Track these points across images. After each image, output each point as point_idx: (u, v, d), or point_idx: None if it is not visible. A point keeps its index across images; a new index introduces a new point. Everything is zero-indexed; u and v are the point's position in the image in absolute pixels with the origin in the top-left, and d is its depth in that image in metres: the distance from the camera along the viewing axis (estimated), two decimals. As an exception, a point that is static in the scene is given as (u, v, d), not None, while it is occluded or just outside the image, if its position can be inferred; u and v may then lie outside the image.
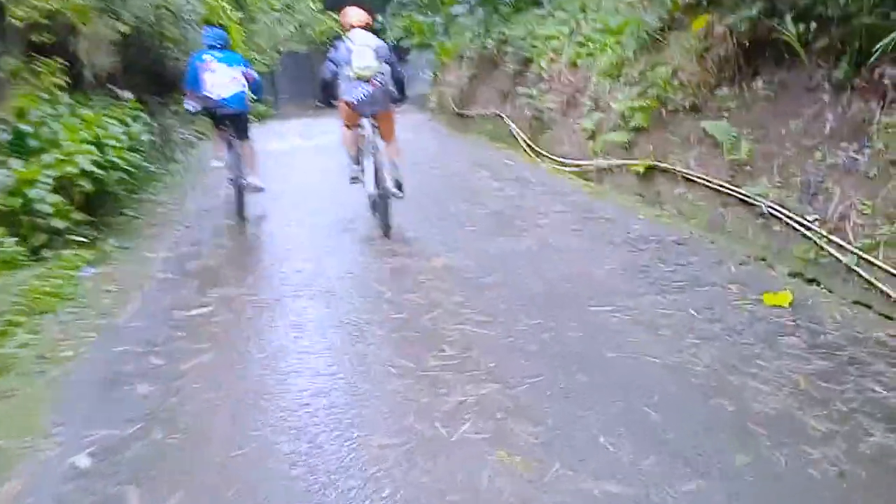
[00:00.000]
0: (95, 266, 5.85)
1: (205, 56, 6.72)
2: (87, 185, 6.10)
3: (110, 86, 8.68)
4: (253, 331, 4.24)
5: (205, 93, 6.60)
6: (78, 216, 6.09)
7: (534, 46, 10.20)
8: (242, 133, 7.03)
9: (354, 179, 6.46)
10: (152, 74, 10.85)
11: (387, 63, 5.90)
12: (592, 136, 8.18)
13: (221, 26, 13.74)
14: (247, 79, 6.83)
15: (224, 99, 6.62)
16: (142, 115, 8.91)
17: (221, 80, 6.60)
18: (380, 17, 25.93)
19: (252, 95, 7.08)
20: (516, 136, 10.24)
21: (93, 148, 6.29)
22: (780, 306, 4.02)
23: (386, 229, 5.99)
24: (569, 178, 8.07)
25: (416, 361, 3.61)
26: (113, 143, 6.83)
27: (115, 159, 6.74)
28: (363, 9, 6.35)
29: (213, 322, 4.44)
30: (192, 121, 12.13)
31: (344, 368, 3.62)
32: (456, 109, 13.82)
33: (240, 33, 19.20)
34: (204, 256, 6.03)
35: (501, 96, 11.47)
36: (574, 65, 9.14)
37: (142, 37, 9.70)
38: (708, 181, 6.07)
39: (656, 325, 3.85)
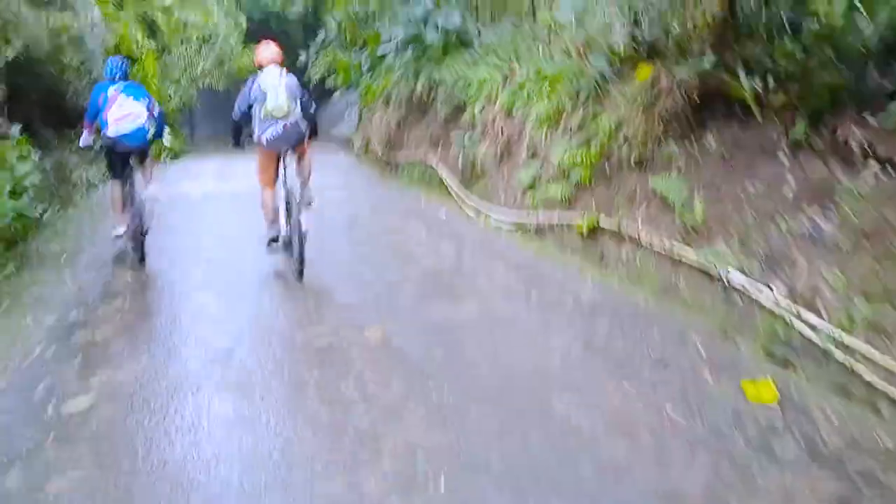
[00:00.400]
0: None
1: (110, 89, 6.28)
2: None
3: (-4, 119, 7.69)
4: (141, 436, 3.42)
5: (107, 132, 6.18)
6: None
7: (466, 92, 9.75)
8: (141, 164, 6.68)
9: (273, 241, 6.20)
10: (48, 106, 9.81)
11: (299, 101, 5.83)
12: (531, 188, 7.71)
13: (129, 57, 12.86)
14: (151, 113, 6.42)
15: (126, 135, 6.19)
16: (30, 153, 7.88)
17: (126, 116, 6.19)
18: (302, 55, 25.37)
19: (153, 130, 6.56)
20: (448, 185, 9.69)
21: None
22: (763, 402, 3.51)
23: (299, 268, 5.74)
24: (506, 233, 7.54)
25: (351, 484, 2.90)
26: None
27: (-11, 207, 5.78)
28: (277, 45, 6.24)
29: (92, 421, 3.60)
30: (94, 159, 11.11)
31: (255, 495, 2.87)
32: (382, 156, 13.22)
33: (153, 65, 18.15)
34: (94, 324, 5.13)
35: (432, 142, 10.96)
36: (509, 112, 8.71)
37: (33, 64, 8.71)
38: (658, 245, 5.63)
39: (633, 429, 3.27)
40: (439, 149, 10.62)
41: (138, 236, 6.46)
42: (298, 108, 5.81)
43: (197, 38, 22.24)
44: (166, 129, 7.34)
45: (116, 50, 14.78)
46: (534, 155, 7.88)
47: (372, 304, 5.32)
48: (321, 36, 24.56)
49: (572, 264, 6.18)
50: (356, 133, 20.09)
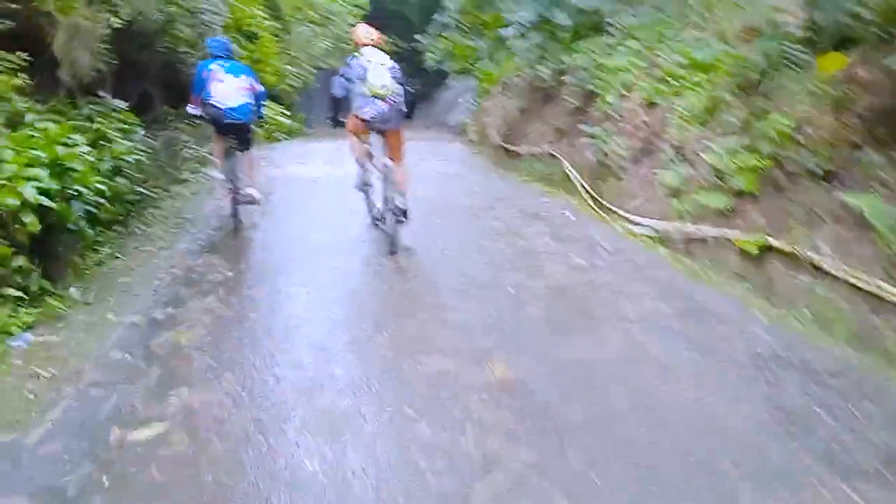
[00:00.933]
0: (36, 332, 4.39)
1: (211, 65, 6.53)
2: (30, 221, 4.60)
3: (101, 92, 7.27)
4: (211, 484, 2.69)
5: (211, 101, 6.41)
6: (20, 261, 4.60)
7: (599, 79, 8.66)
8: (245, 144, 6.91)
9: (364, 186, 6.60)
10: (162, 81, 9.49)
11: (399, 83, 5.85)
12: (676, 194, 6.59)
13: (249, 34, 12.53)
14: (254, 90, 6.69)
15: (231, 109, 6.43)
16: (137, 127, 7.47)
17: (228, 90, 6.44)
18: (420, 39, 24.76)
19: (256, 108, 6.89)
20: (575, 182, 8.66)
21: (42, 172, 4.79)
22: None
23: (393, 248, 5.93)
24: (646, 243, 6.46)
25: None
26: (77, 165, 5.30)
27: (80, 188, 5.26)
28: (374, 27, 6.36)
29: (159, 457, 2.91)
30: (208, 136, 10.80)
31: None
32: (501, 143, 12.28)
33: (272, 44, 17.91)
34: (180, 326, 4.51)
35: (557, 133, 9.93)
36: (651, 104, 7.59)
37: (145, 35, 8.32)
38: (851, 278, 4.45)
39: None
40: (565, 141, 9.59)
41: (237, 210, 6.84)
42: (400, 90, 5.83)
43: (316, 18, 21.95)
44: (263, 109, 7.19)
45: (236, 25, 14.53)
46: (681, 155, 6.75)
47: (492, 327, 4.44)
48: (439, 19, 23.92)
49: (735, 293, 5.06)
50: (472, 121, 19.27)
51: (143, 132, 7.72)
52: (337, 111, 6.21)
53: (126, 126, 6.94)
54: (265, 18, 18.79)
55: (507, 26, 13.20)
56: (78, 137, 5.77)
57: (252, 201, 7.01)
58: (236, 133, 6.71)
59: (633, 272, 5.53)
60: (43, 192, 4.70)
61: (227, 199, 6.84)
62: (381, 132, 5.95)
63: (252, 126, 6.91)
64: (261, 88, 6.82)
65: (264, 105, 7.31)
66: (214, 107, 6.40)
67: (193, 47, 10.01)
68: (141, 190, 7.25)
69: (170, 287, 5.34)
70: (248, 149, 6.97)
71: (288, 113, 17.96)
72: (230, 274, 5.67)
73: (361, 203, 7.05)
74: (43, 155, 4.91)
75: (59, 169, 5.02)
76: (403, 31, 27.37)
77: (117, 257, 6.01)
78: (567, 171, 9.01)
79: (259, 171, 7.28)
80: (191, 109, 6.76)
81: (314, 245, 6.51)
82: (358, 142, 6.39)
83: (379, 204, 6.20)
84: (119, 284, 5.38)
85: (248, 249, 6.50)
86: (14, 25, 5.81)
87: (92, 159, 5.75)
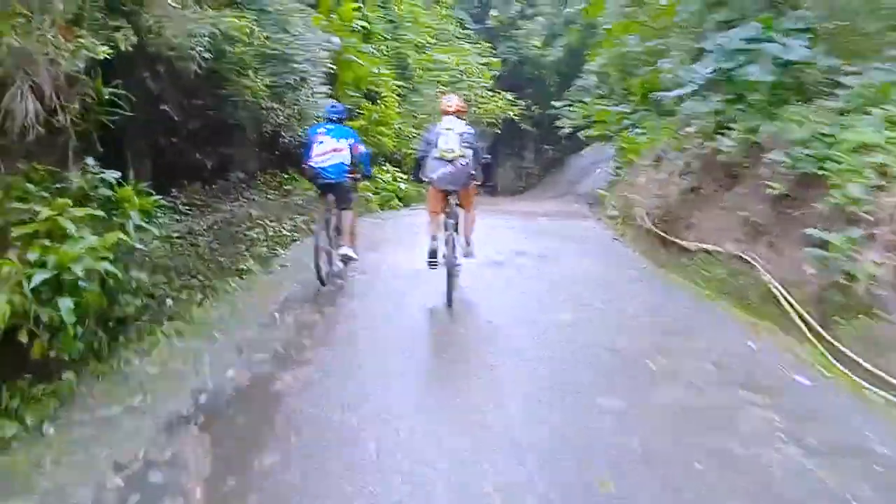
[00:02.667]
0: None
1: (319, 129, 6.88)
2: None
3: (90, 160, 5.10)
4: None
5: (310, 163, 6.69)
6: None
7: (831, 160, 5.77)
8: (342, 201, 6.97)
9: (432, 259, 6.34)
10: (216, 141, 7.52)
11: (471, 148, 6.19)
12: None
13: (368, 93, 11.10)
14: (352, 151, 6.83)
15: (323, 168, 6.64)
16: (146, 208, 5.26)
17: (325, 151, 6.66)
18: (555, 104, 22.44)
19: (360, 168, 7.17)
20: (792, 312, 5.70)
21: None
22: None
23: (449, 299, 6.05)
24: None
25: None
26: None
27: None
28: (458, 98, 6.79)
29: None
30: (296, 207, 8.76)
31: None
32: (656, 230, 9.46)
33: (394, 104, 16.08)
34: None
35: (750, 229, 7.01)
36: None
37: (183, 81, 6.35)
38: None
39: None
40: (764, 241, 6.66)
41: (323, 262, 6.68)
42: (469, 154, 6.15)
43: (445, 80, 20.11)
44: (371, 172, 7.71)
45: (356, 82, 12.73)
46: None
47: None
48: (581, 82, 21.52)
49: None
50: (610, 194, 16.54)
51: (171, 212, 5.66)
52: (417, 170, 6.59)
53: (121, 208, 4.71)
54: (392, 78, 17.08)
55: (663, 90, 10.61)
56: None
57: (347, 260, 6.97)
58: (332, 191, 6.79)
59: None
60: None
61: (321, 258, 6.66)
62: (448, 193, 6.25)
63: (346, 185, 6.93)
64: (363, 150, 7.01)
65: (369, 165, 7.48)
66: (312, 168, 6.68)
67: (282, 102, 8.07)
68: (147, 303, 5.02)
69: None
70: (344, 208, 6.99)
71: (404, 176, 15.97)
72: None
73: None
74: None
75: None
76: (537, 94, 25.17)
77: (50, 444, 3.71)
78: (772, 288, 6.06)
79: (356, 232, 7.07)
80: (306, 173, 7.01)
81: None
82: (432, 217, 6.57)
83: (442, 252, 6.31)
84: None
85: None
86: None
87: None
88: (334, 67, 12.02)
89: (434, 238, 6.41)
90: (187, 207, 6.33)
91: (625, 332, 5.50)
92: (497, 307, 6.15)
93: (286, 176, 10.19)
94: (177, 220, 5.73)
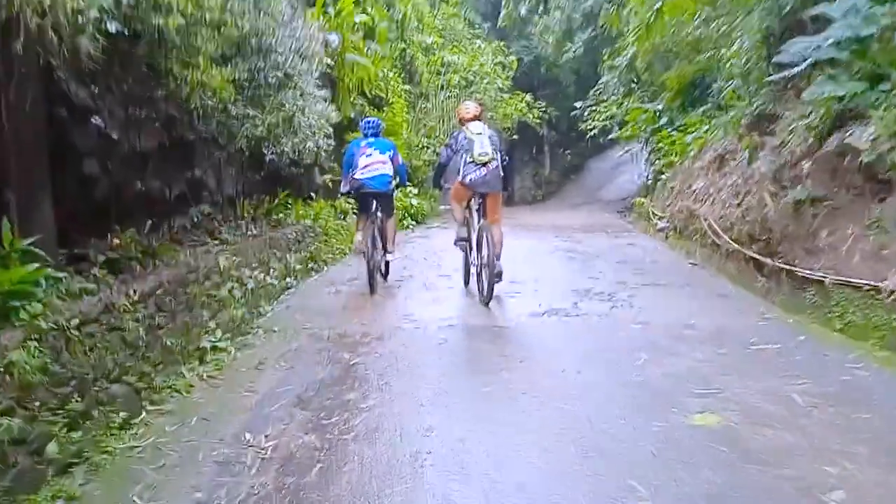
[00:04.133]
0: None
1: (362, 143, 7.03)
2: None
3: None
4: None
5: (355, 175, 6.84)
6: None
7: None
8: (386, 210, 7.10)
9: (462, 241, 6.67)
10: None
11: (497, 150, 6.22)
12: None
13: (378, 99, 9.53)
14: (393, 163, 7.03)
15: (369, 179, 6.80)
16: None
17: (371, 163, 6.83)
18: (576, 105, 20.33)
19: (398, 178, 7.35)
20: None
21: None
22: None
23: (487, 299, 6.05)
24: None
25: None
26: None
27: None
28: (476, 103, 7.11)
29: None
30: (280, 250, 6.65)
31: None
32: (749, 252, 7.26)
33: (402, 111, 13.96)
34: None
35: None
36: None
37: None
38: None
39: None
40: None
41: (372, 272, 6.71)
42: (498, 158, 6.21)
43: (457, 82, 17.97)
44: (407, 182, 8.15)
45: (357, 84, 10.64)
46: None
47: None
48: (604, 79, 19.35)
49: None
50: (651, 202, 14.36)
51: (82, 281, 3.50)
52: (438, 176, 6.98)
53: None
54: (400, 83, 14.98)
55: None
56: None
57: (388, 263, 7.32)
58: (376, 200, 6.91)
59: None
60: None
61: (364, 265, 6.80)
62: (482, 195, 6.29)
63: (390, 194, 7.20)
64: (401, 161, 7.32)
65: (405, 175, 7.71)
66: (358, 179, 6.84)
67: (260, 107, 5.93)
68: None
69: None
70: (388, 215, 7.16)
71: (416, 192, 13.88)
72: None
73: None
74: None
75: None
76: (554, 96, 22.99)
77: None
78: None
79: (395, 236, 7.45)
80: (342, 188, 7.37)
81: None
82: (459, 207, 6.69)
83: (475, 261, 6.41)
84: None
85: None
86: None
87: None
88: (332, 66, 9.92)
89: (462, 224, 6.66)
90: (112, 268, 4.16)
91: (825, 458, 3.20)
92: (596, 415, 3.64)
93: (275, 203, 8.08)
94: (92, 291, 3.57)
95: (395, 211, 7.53)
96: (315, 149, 7.84)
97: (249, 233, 6.52)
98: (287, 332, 5.28)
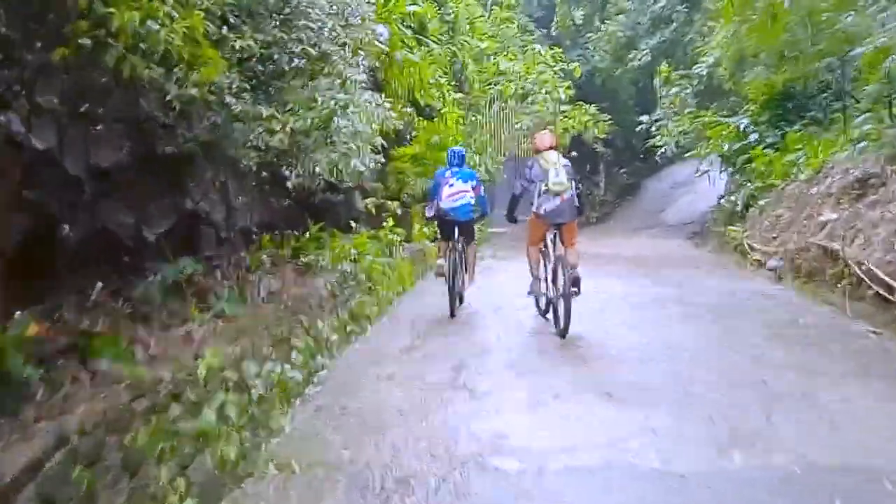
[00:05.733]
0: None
1: (447, 173, 7.08)
2: None
3: None
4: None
5: (440, 203, 6.92)
6: None
7: None
8: (468, 237, 7.30)
9: (531, 293, 6.54)
10: None
11: (573, 180, 6.07)
12: None
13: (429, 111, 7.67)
14: (475, 192, 7.05)
15: (452, 209, 6.92)
16: None
17: (454, 192, 6.92)
18: (643, 118, 18.10)
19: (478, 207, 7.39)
20: None
21: None
22: None
23: (563, 331, 5.71)
24: None
25: None
26: None
27: None
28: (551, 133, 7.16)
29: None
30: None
31: None
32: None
33: (454, 123, 11.91)
34: None
35: None
36: None
37: None
38: None
39: None
40: None
41: (455, 294, 6.89)
42: (573, 188, 6.05)
43: (514, 93, 15.82)
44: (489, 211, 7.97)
45: (409, 90, 8.59)
46: None
47: None
48: (673, 90, 17.06)
49: None
50: (746, 231, 12.01)
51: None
52: (514, 208, 6.66)
53: None
54: (452, 89, 12.91)
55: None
56: None
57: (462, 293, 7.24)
58: (460, 228, 7.05)
59: None
60: None
61: (447, 294, 6.84)
62: (558, 226, 6.10)
63: (473, 223, 7.33)
64: (482, 192, 7.32)
65: (486, 205, 7.81)
66: (443, 208, 6.92)
67: (275, 102, 3.84)
68: None
69: None
70: (469, 242, 7.30)
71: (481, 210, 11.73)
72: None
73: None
74: None
75: None
76: (611, 109, 20.63)
77: None
78: None
79: (476, 268, 7.52)
80: (428, 212, 7.41)
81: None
82: (535, 254, 6.50)
83: (550, 290, 6.21)
84: None
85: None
86: None
87: None
88: (378, 66, 7.88)
89: (536, 277, 6.46)
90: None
91: None
92: None
93: (303, 239, 6.00)
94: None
95: (475, 239, 7.64)
96: (362, 168, 5.78)
97: (261, 294, 4.36)
98: (313, 476, 3.13)
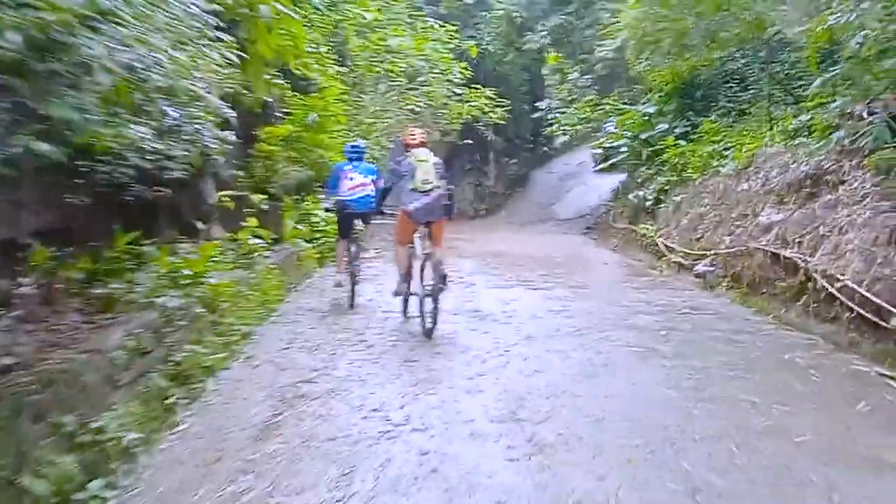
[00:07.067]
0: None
1: (346, 167, 7.15)
2: None
3: None
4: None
5: (340, 195, 7.01)
6: None
7: None
8: (367, 223, 7.47)
9: (398, 294, 6.46)
10: None
11: (443, 178, 5.99)
12: None
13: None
14: (375, 185, 7.04)
15: (353, 201, 6.98)
16: None
17: (353, 186, 6.99)
18: (541, 105, 16.85)
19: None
20: None
21: None
22: None
23: (430, 328, 5.75)
24: None
25: None
26: None
27: None
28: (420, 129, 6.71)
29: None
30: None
31: None
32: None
33: (338, 106, 9.95)
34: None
35: None
36: None
37: None
38: None
39: None
40: None
41: (354, 286, 7.10)
42: (443, 185, 5.95)
43: (403, 71, 13.97)
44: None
45: (279, 57, 6.61)
46: None
47: None
48: (570, 76, 15.87)
49: None
50: (659, 229, 10.90)
51: None
52: (382, 199, 6.64)
53: None
54: (334, 63, 10.90)
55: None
56: None
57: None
58: (359, 218, 7.16)
59: None
60: None
61: (346, 276, 7.12)
62: (426, 224, 6.02)
63: (371, 213, 7.10)
64: (381, 185, 6.99)
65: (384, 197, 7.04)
66: (341, 200, 7.01)
67: None
68: None
69: None
70: (368, 224, 7.51)
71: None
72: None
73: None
74: None
75: None
76: (508, 96, 19.22)
77: None
78: None
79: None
80: (324, 204, 8.11)
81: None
82: (401, 252, 6.35)
83: (418, 287, 6.03)
84: None
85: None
86: None
87: None
88: (237, 21, 5.87)
89: (403, 279, 6.36)
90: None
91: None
92: None
93: (105, 255, 3.91)
94: None
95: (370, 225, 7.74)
96: (200, 148, 3.76)
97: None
98: None
